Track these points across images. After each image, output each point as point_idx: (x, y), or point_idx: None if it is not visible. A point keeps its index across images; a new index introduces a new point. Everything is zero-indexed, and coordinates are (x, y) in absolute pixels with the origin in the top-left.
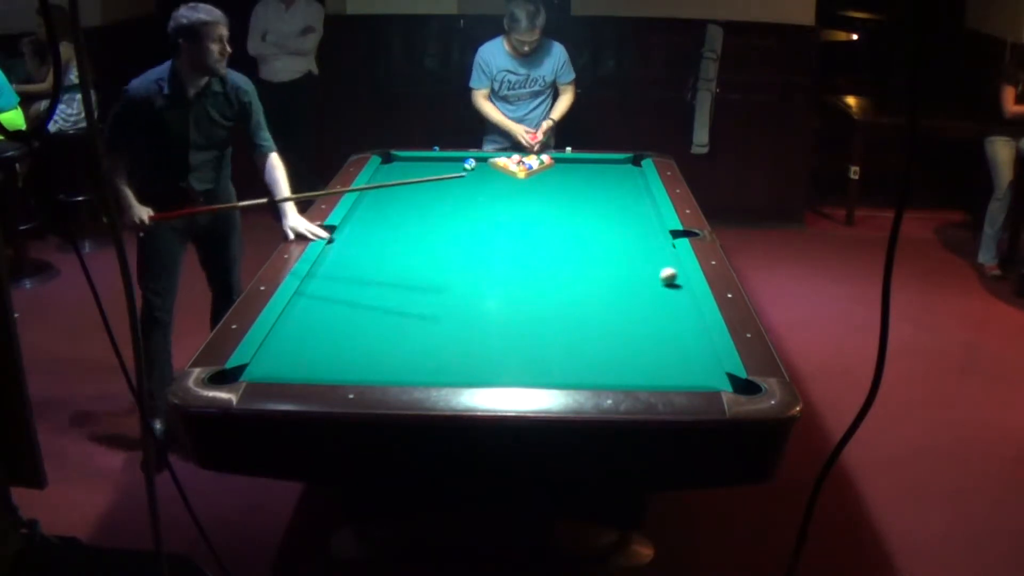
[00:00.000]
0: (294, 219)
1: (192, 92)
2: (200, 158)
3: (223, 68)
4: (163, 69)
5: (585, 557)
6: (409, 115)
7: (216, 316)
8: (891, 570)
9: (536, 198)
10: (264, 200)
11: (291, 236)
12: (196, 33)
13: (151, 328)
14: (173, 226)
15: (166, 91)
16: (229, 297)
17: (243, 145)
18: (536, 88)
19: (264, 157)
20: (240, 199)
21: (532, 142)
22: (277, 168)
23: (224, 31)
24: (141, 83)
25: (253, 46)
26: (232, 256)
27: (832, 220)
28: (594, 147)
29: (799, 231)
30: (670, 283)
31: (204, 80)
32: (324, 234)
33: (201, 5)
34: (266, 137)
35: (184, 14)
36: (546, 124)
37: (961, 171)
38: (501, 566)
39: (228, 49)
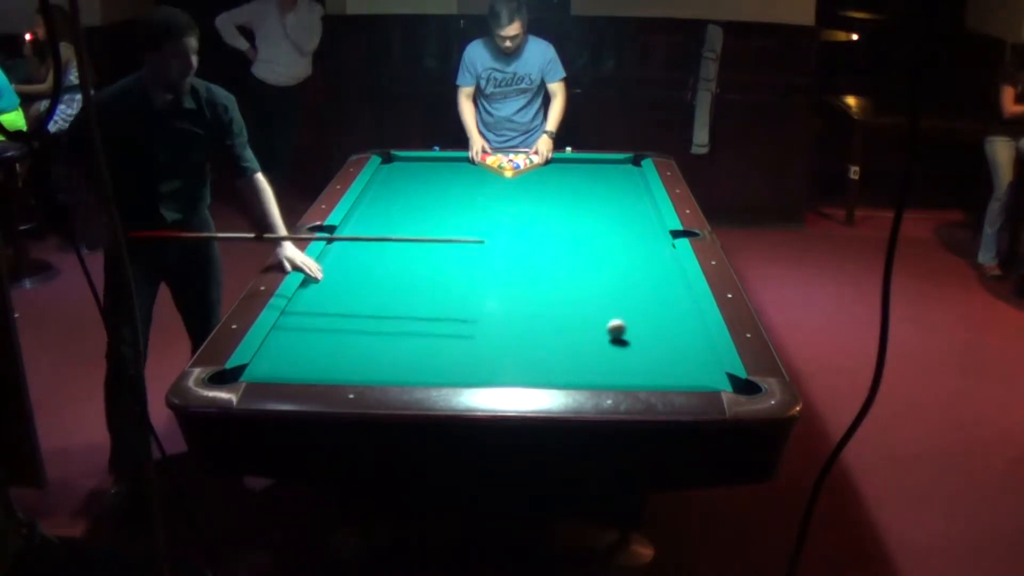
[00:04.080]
0: (291, 250)
1: (160, 108)
2: (172, 186)
3: (186, 85)
4: (132, 80)
5: (585, 557)
6: (409, 115)
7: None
8: (891, 570)
9: (536, 198)
10: (252, 235)
11: (288, 268)
12: (157, 45)
13: (117, 383)
14: (138, 260)
15: (132, 106)
16: None
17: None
18: (523, 86)
19: (248, 180)
20: (224, 230)
21: (481, 161)
22: (265, 191)
23: (188, 44)
24: (106, 94)
25: (226, 32)
26: (211, 297)
27: (832, 220)
28: (594, 147)
29: (799, 231)
30: (616, 336)
31: (171, 96)
32: (319, 274)
33: (167, 10)
34: (249, 157)
35: (149, 21)
36: (543, 142)
37: (961, 171)
38: (501, 566)
39: (194, 64)
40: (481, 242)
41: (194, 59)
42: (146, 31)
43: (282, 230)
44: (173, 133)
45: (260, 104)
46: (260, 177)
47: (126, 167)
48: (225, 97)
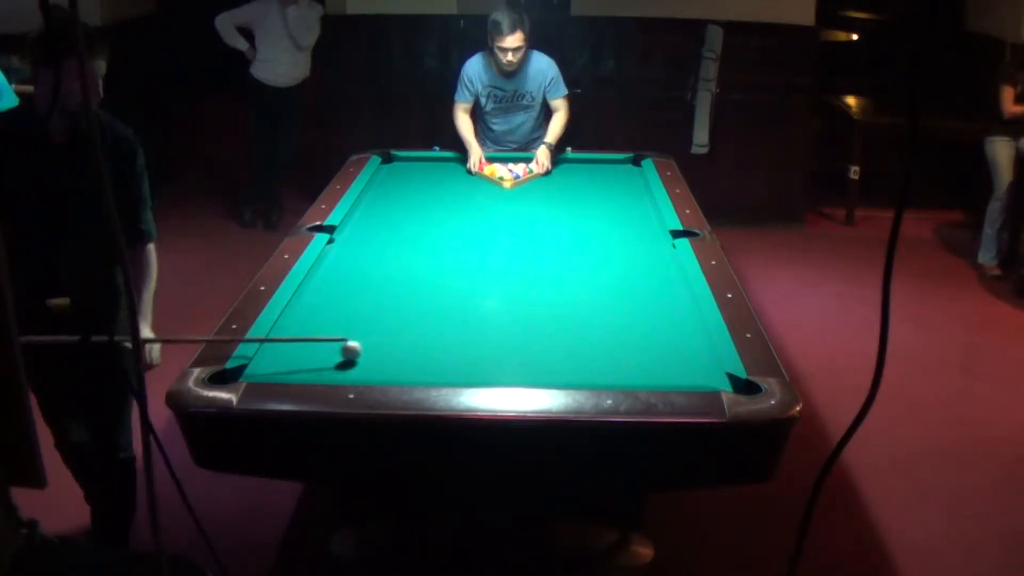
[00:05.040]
0: (148, 333)
1: (59, 138)
2: (74, 241)
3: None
4: (24, 104)
5: (585, 557)
6: (409, 115)
7: (99, 517)
8: (891, 570)
9: (536, 198)
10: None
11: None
12: (55, 59)
13: (74, 470)
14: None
15: (24, 134)
16: (128, 471)
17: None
18: (524, 103)
19: (142, 250)
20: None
21: (478, 171)
22: (151, 267)
23: (95, 67)
24: None
25: (226, 32)
26: (118, 401)
27: (832, 220)
28: (594, 147)
29: (799, 231)
30: (350, 358)
31: (70, 123)
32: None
33: (66, 15)
34: (148, 219)
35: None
36: (542, 152)
37: (961, 171)
38: (501, 566)
39: (100, 91)
40: (343, 340)
41: (100, 86)
42: (41, 41)
43: (147, 312)
44: (73, 168)
45: (260, 105)
46: (151, 249)
47: (17, 210)
48: (131, 133)
